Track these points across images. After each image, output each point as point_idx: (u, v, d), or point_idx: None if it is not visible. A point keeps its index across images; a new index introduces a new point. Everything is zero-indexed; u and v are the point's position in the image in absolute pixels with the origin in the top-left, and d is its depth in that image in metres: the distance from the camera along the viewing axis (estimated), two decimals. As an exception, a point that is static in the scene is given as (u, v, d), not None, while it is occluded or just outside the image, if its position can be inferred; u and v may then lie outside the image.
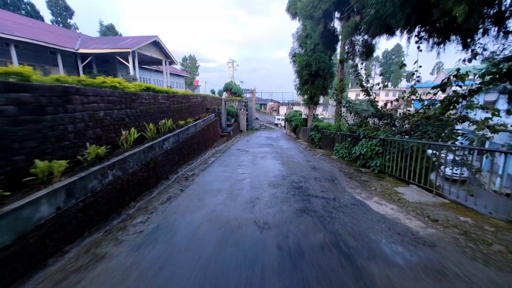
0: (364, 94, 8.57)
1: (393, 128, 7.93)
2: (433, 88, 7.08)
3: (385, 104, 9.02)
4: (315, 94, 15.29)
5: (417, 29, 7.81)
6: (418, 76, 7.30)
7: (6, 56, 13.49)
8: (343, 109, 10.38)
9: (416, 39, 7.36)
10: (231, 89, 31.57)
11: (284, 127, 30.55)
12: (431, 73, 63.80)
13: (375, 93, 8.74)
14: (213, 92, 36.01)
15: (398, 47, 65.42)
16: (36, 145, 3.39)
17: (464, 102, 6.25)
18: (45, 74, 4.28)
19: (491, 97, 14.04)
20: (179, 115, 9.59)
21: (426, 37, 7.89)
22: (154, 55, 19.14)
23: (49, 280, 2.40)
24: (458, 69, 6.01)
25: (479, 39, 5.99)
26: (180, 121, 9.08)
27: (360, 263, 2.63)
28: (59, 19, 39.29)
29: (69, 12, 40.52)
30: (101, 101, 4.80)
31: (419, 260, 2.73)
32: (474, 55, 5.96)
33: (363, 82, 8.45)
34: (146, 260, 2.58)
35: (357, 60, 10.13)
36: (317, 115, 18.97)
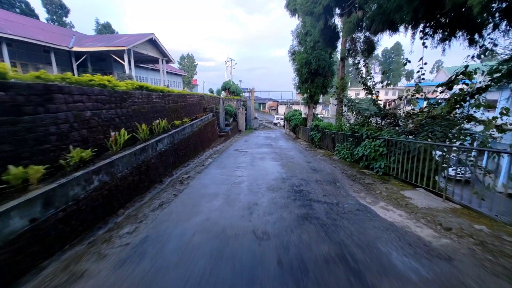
0: (366, 93, 8.28)
1: (397, 128, 7.65)
2: (438, 86, 6.80)
3: (385, 103, 8.76)
4: (315, 93, 15.00)
5: (421, 25, 7.54)
6: (423, 74, 7.01)
7: (-3, 55, 13.06)
8: (344, 108, 10.10)
9: (421, 34, 7.07)
10: (229, 88, 31.22)
11: (283, 126, 30.27)
12: (431, 72, 63.69)
13: (378, 91, 8.45)
14: (211, 91, 35.65)
15: (397, 46, 65.21)
16: (11, 148, 3.07)
17: (472, 101, 5.98)
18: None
19: (493, 95, 13.82)
20: (174, 115, 9.27)
21: (431, 33, 7.61)
22: (150, 53, 18.76)
23: (17, 305, 2.10)
24: (466, 66, 5.73)
25: (489, 34, 5.70)
26: (176, 121, 8.76)
27: (371, 281, 2.34)
28: (54, 17, 38.73)
29: (65, 10, 39.97)
30: (88, 100, 4.47)
31: (436, 276, 2.45)
32: (484, 51, 5.68)
33: (365, 80, 8.16)
34: (129, 280, 2.28)
35: (359, 57, 9.83)
36: (317, 114, 18.70)
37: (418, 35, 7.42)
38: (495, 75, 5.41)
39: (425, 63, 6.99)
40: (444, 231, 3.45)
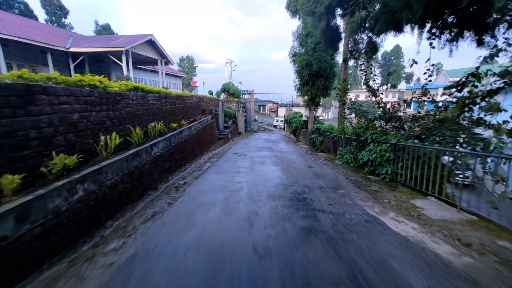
0: (370, 95, 8.00)
1: (402, 131, 7.36)
2: (447, 88, 6.52)
3: (385, 105, 8.48)
4: (316, 95, 14.73)
5: (428, 26, 7.29)
6: (430, 75, 6.73)
7: (-9, 55, 12.77)
8: (347, 111, 9.81)
9: (428, 35, 6.82)
10: (229, 90, 30.98)
11: (284, 129, 30.00)
12: (430, 75, 63.48)
13: (382, 93, 8.17)
14: (211, 93, 35.39)
15: (397, 48, 65.25)
16: (-16, 156, 2.75)
17: (483, 104, 5.69)
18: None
19: (496, 98, 13.58)
20: (172, 117, 8.97)
21: (438, 33, 7.36)
22: (149, 54, 18.51)
23: None
24: (477, 68, 5.44)
25: (503, 33, 5.43)
26: (173, 123, 8.46)
27: (389, 312, 2.02)
28: (53, 18, 38.58)
29: (64, 12, 39.83)
30: (76, 102, 4.16)
31: (463, 305, 2.13)
32: (497, 51, 5.39)
33: (369, 82, 7.88)
34: (109, 312, 1.95)
35: (362, 59, 9.58)
36: (318, 116, 18.42)
37: (425, 35, 7.18)
38: (507, 77, 5.13)
39: (432, 64, 6.73)
40: (463, 247, 3.13)
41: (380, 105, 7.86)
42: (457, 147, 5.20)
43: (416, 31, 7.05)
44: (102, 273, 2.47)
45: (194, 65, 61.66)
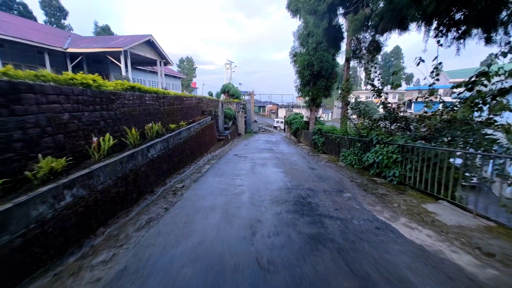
0: (370, 96, 7.77)
1: (408, 132, 7.12)
2: (454, 87, 6.28)
3: (390, 106, 8.27)
4: (318, 95, 14.50)
5: (434, 23, 7.07)
6: (438, 74, 6.50)
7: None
8: (350, 111, 9.58)
9: (436, 32, 6.60)
10: (228, 91, 30.77)
11: (284, 130, 29.78)
12: (430, 76, 63.42)
13: (387, 92, 7.93)
14: (210, 94, 35.17)
15: (397, 49, 65.26)
16: (-41, 159, 2.49)
17: (493, 103, 5.45)
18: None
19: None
20: (170, 118, 8.72)
21: (445, 31, 7.14)
22: (148, 55, 18.30)
23: None
24: (489, 65, 5.21)
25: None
26: (171, 124, 8.21)
27: None
28: (52, 19, 38.44)
29: (63, 13, 39.72)
30: (67, 101, 3.91)
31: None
32: (511, 49, 5.16)
33: (374, 82, 7.65)
34: None
35: (365, 58, 9.36)
36: (319, 117, 18.19)
37: (431, 33, 6.96)
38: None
39: (440, 63, 6.50)
40: (485, 257, 2.87)
41: (386, 105, 7.63)
42: (468, 148, 4.97)
43: (422, 28, 6.83)
44: (87, 291, 2.20)
45: (194, 66, 61.54)
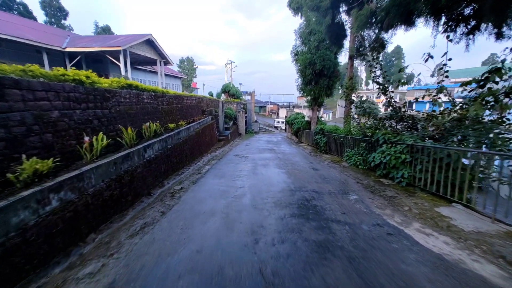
0: (381, 93, 7.51)
1: (415, 132, 6.86)
2: (464, 84, 6.02)
3: (387, 107, 8.03)
4: (320, 94, 14.23)
5: (443, 18, 6.83)
6: (447, 71, 6.23)
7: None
8: (354, 110, 9.31)
9: (445, 26, 6.35)
10: (229, 91, 30.54)
11: (285, 130, 29.53)
12: (432, 75, 63.23)
13: (392, 91, 7.66)
14: (211, 94, 34.96)
15: (398, 49, 65.05)
16: None
17: (506, 100, 5.18)
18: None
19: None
20: (169, 118, 8.48)
21: (454, 27, 6.89)
22: (148, 54, 18.09)
23: None
24: (503, 61, 4.94)
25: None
26: (170, 124, 7.97)
27: None
28: (53, 20, 38.37)
29: (64, 13, 39.65)
30: (56, 98, 3.67)
31: None
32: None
33: (379, 79, 7.39)
34: None
35: (370, 56, 9.10)
36: (321, 117, 17.93)
37: (440, 28, 6.71)
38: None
39: (450, 59, 6.22)
40: (511, 267, 2.61)
41: (392, 104, 7.37)
42: (482, 147, 4.71)
43: (431, 23, 6.57)
44: (70, 308, 1.95)
45: (194, 67, 61.41)
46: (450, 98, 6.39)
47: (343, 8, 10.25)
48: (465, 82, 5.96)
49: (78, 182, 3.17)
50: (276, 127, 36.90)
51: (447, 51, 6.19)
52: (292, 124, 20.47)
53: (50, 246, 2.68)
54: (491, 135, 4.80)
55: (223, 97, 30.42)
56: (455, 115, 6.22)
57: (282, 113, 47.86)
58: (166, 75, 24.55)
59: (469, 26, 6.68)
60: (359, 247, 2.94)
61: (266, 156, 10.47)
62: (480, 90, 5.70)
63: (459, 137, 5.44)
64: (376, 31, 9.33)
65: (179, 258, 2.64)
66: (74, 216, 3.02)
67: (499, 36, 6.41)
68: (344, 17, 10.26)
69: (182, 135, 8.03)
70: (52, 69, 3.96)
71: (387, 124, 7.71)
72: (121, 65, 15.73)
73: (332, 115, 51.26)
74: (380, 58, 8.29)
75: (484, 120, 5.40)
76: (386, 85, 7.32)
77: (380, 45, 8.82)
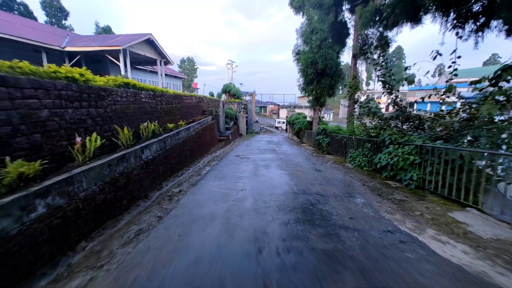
0: (387, 92, 7.29)
1: (422, 132, 6.63)
2: (473, 82, 5.79)
3: (387, 107, 7.84)
4: (322, 94, 14.00)
5: (452, 15, 6.61)
6: (456, 69, 6.00)
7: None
8: (357, 110, 9.08)
9: (455, 22, 6.12)
10: (229, 91, 30.35)
11: (286, 130, 29.30)
12: (433, 76, 62.99)
13: (396, 91, 7.43)
14: (211, 94, 34.80)
15: (399, 50, 64.83)
16: None
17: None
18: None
19: None
20: (168, 117, 8.27)
21: (462, 23, 6.66)
22: (147, 54, 17.90)
23: None
24: (517, 57, 4.70)
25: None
26: (169, 124, 7.76)
27: None
28: (53, 20, 38.29)
29: (64, 13, 39.56)
30: (46, 96, 3.46)
31: None
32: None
33: (385, 78, 7.16)
34: None
35: (373, 54, 8.88)
36: (322, 117, 17.70)
37: (449, 25, 6.48)
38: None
39: (459, 57, 5.99)
40: (541, 281, 2.37)
41: (398, 103, 7.14)
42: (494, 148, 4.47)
43: (438, 20, 6.35)
44: (50, 331, 1.73)
45: (195, 67, 61.27)
46: (458, 97, 6.15)
47: (346, 6, 10.04)
48: (474, 80, 5.73)
49: (68, 186, 2.95)
50: (276, 128, 36.68)
51: (456, 49, 5.97)
52: (293, 124, 20.25)
53: (35, 257, 2.46)
54: (503, 136, 4.58)
55: (223, 97, 30.24)
56: (464, 115, 6.01)
57: (283, 113, 47.64)
58: (166, 75, 24.37)
59: (478, 23, 6.45)
60: (371, 257, 2.71)
61: (268, 156, 10.25)
62: (491, 88, 5.47)
63: (469, 138, 5.22)
64: (381, 29, 9.12)
65: (175, 269, 2.41)
66: (63, 223, 2.80)
67: (510, 33, 6.18)
68: (347, 15, 10.06)
69: (181, 135, 7.82)
70: (43, 65, 3.74)
71: (392, 124, 7.49)
72: (121, 64, 15.54)
73: (333, 115, 51.00)
74: (386, 57, 8.07)
75: (495, 120, 5.18)
76: (392, 84, 7.09)
77: (385, 43, 8.59)
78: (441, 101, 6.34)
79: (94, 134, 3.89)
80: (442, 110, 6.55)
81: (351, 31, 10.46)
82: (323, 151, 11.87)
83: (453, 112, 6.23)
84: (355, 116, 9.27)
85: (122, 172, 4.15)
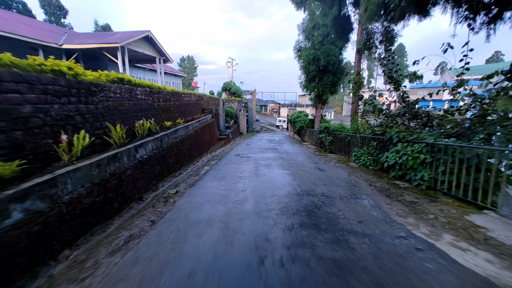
0: (393, 88, 6.99)
1: (431, 130, 6.33)
2: (484, 78, 5.50)
3: (389, 105, 7.57)
4: (324, 92, 13.68)
5: (463, 6, 6.29)
6: (468, 63, 5.69)
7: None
8: (362, 107, 8.79)
9: (467, 13, 5.81)
10: (230, 89, 30.03)
11: (286, 129, 29.01)
12: (435, 74, 62.43)
13: (405, 85, 7.12)
14: (211, 93, 34.52)
15: (400, 47, 64.22)
16: None
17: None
18: None
19: None
20: (166, 115, 7.99)
21: (472, 15, 6.35)
22: (146, 52, 17.60)
23: None
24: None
25: None
26: (167, 122, 7.49)
27: None
28: (52, 18, 38.01)
29: (63, 12, 39.28)
30: (30, 91, 3.18)
31: None
32: None
33: (392, 73, 6.86)
34: None
35: (380, 48, 8.57)
36: (324, 115, 17.38)
37: (459, 17, 6.17)
38: None
39: (471, 50, 5.68)
40: None
41: (405, 100, 6.84)
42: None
43: (449, 10, 6.03)
44: None
45: (195, 65, 60.92)
46: (471, 92, 5.84)
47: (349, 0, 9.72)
48: (487, 75, 5.44)
49: (50, 188, 2.68)
50: (277, 126, 36.37)
51: (469, 41, 5.66)
52: (294, 122, 19.94)
53: (11, 268, 2.19)
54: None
55: (224, 95, 29.93)
56: (474, 111, 5.73)
57: (284, 112, 47.28)
58: (166, 73, 24.07)
59: (490, 15, 6.14)
60: (386, 268, 2.43)
61: (269, 156, 9.97)
62: (506, 83, 5.17)
63: (481, 136, 4.91)
64: (386, 22, 8.80)
65: (165, 285, 2.13)
66: (44, 230, 2.53)
67: (524, 24, 5.85)
68: (351, 8, 9.74)
69: (179, 133, 7.54)
70: (27, 58, 3.47)
71: (399, 122, 7.19)
72: (119, 62, 15.25)
73: (334, 113, 50.63)
74: (392, 50, 7.75)
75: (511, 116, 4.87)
76: (400, 80, 6.79)
77: (391, 37, 8.27)
78: (452, 97, 6.04)
79: (82, 132, 3.62)
80: (452, 107, 6.25)
81: (355, 25, 10.14)
82: (325, 150, 11.58)
83: (462, 108, 5.94)
84: (359, 114, 8.96)
85: (113, 172, 3.88)
